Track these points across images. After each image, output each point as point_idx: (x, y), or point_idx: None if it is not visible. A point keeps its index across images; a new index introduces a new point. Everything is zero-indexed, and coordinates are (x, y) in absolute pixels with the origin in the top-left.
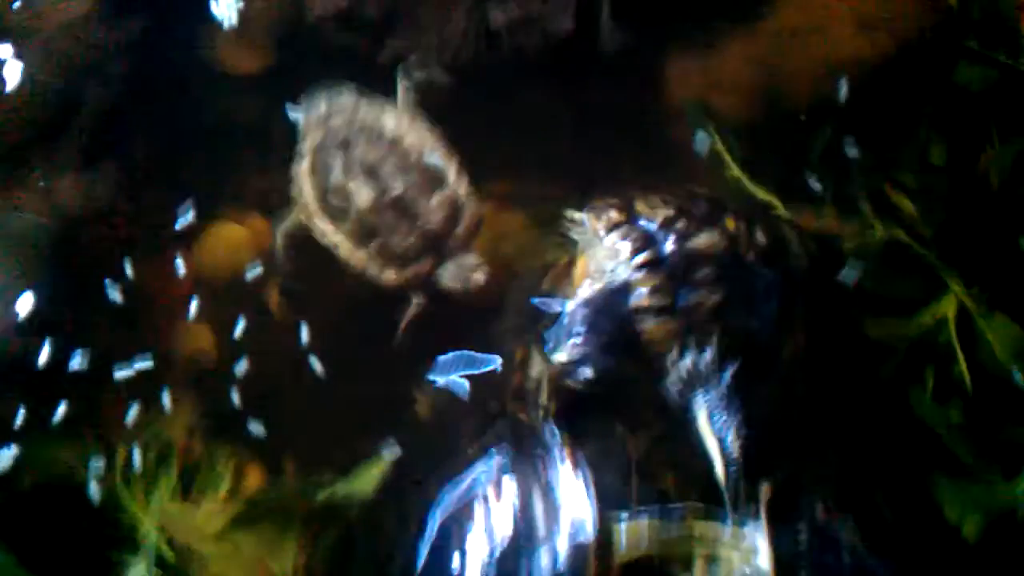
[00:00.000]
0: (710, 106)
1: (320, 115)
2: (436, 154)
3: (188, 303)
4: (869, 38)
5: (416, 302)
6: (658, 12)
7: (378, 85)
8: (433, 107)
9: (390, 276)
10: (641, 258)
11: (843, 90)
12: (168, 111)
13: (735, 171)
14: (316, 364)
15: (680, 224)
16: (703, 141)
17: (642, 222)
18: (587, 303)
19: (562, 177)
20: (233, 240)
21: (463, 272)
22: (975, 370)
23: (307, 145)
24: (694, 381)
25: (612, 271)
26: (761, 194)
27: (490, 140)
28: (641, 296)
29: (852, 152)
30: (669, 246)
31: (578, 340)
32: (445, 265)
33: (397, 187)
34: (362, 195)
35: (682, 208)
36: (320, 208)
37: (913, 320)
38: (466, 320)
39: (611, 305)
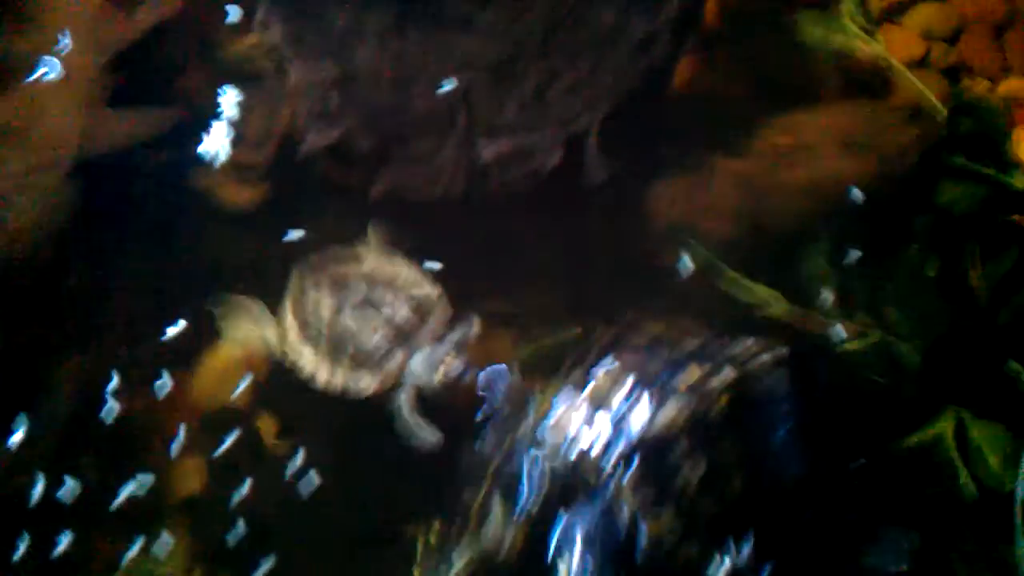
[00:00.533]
0: (698, 229)
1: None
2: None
3: (181, 429)
4: (855, 157)
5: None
6: (645, 140)
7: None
8: (421, 235)
9: (368, 383)
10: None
11: (857, 196)
12: (163, 243)
13: (730, 275)
14: (312, 488)
15: (638, 404)
16: (686, 264)
17: (601, 411)
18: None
19: (552, 301)
20: (228, 364)
21: (434, 362)
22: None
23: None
24: None
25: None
26: (761, 291)
27: (480, 268)
28: (626, 500)
29: (851, 257)
30: (634, 432)
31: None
32: (415, 356)
33: (362, 291)
34: (328, 304)
35: (640, 374)
36: (299, 336)
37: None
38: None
39: (603, 527)
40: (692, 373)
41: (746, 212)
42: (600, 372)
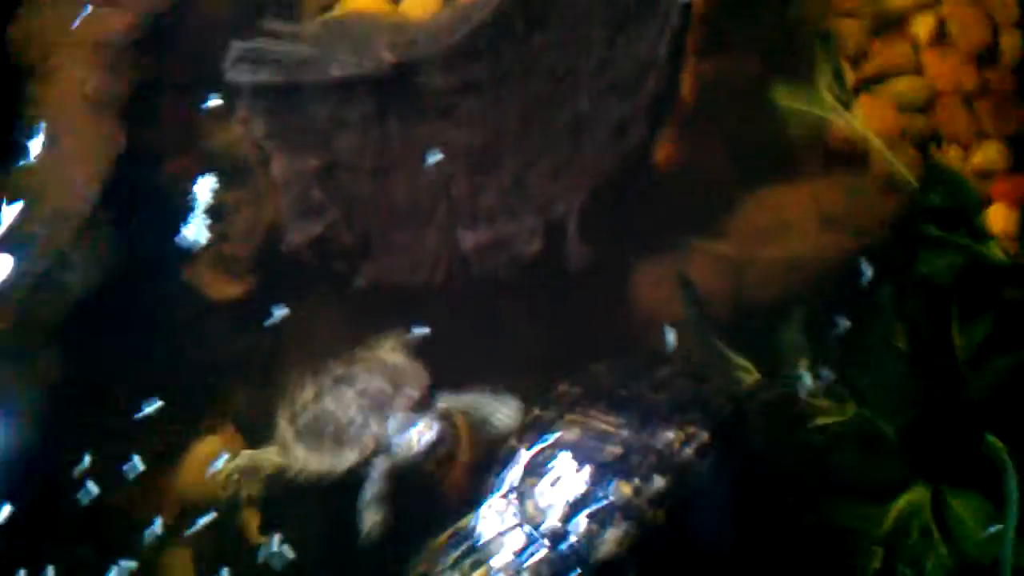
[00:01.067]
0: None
1: None
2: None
3: (165, 518)
4: (833, 233)
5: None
6: (625, 223)
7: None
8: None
9: (349, 458)
10: None
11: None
12: (148, 335)
13: (712, 342)
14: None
15: (577, 532)
16: (671, 336)
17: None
18: None
19: (536, 385)
20: (213, 455)
21: (407, 428)
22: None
23: None
24: None
25: None
26: (738, 363)
27: (462, 352)
28: None
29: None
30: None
31: None
32: (389, 424)
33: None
34: (310, 395)
35: (576, 495)
36: (294, 441)
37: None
38: None
39: None
40: (623, 489)
41: (726, 292)
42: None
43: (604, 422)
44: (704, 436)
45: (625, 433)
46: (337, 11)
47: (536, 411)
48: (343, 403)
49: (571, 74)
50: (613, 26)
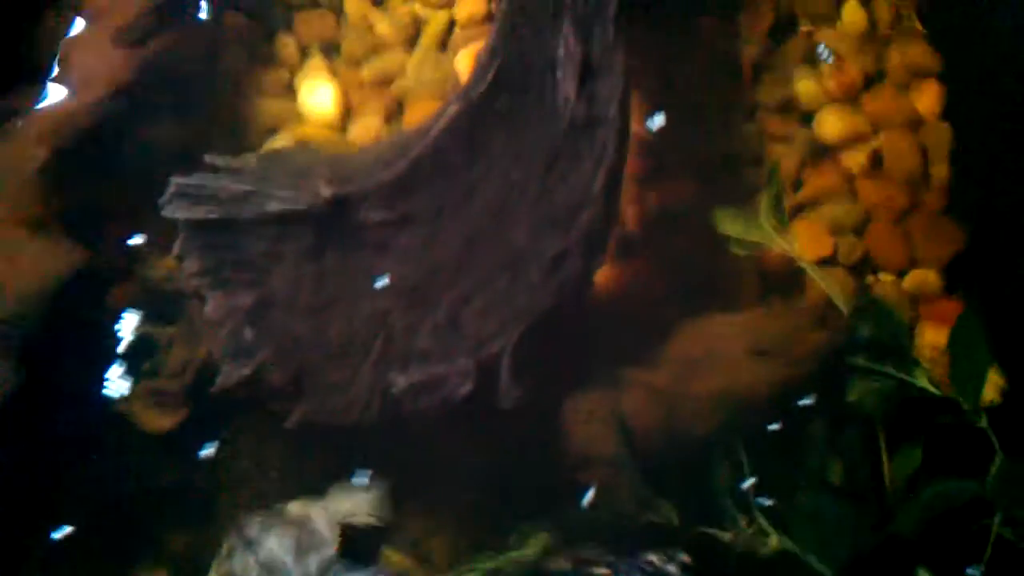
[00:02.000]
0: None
1: None
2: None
3: None
4: (765, 365)
5: None
6: (559, 358)
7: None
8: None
9: None
10: None
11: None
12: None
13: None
14: None
15: None
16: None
17: None
18: None
19: (474, 521)
20: None
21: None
22: None
23: None
24: None
25: None
26: (665, 509)
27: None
28: None
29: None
30: None
31: None
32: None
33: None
34: (226, 545)
35: None
36: None
37: None
38: None
39: None
40: None
41: (658, 425)
42: None
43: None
44: None
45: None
46: (282, 139)
47: None
48: (246, 570)
49: (508, 208)
50: (550, 159)
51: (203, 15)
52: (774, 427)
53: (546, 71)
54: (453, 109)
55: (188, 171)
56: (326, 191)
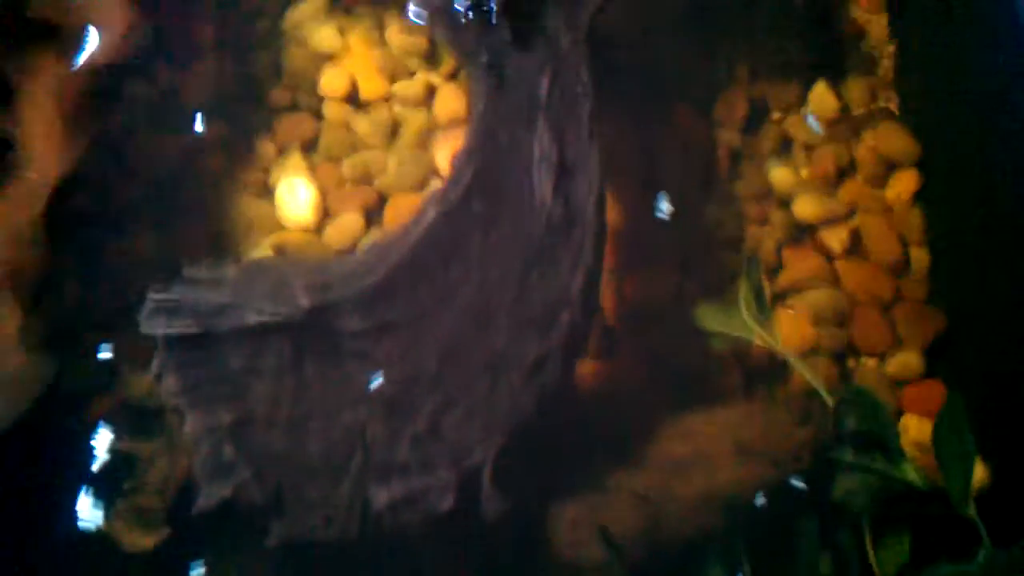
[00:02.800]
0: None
1: None
2: None
3: None
4: (751, 464)
5: None
6: (542, 465)
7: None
8: None
9: None
10: None
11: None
12: None
13: None
14: None
15: None
16: None
17: None
18: None
19: None
20: None
21: None
22: None
23: None
24: None
25: None
26: None
27: None
28: None
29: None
30: None
31: None
32: None
33: None
34: None
35: None
36: None
37: None
38: None
39: None
40: None
41: (644, 530)
42: None
43: None
44: None
45: None
46: (262, 242)
47: None
48: None
49: (487, 311)
50: (528, 261)
51: (199, 127)
52: (762, 525)
53: (523, 173)
54: (431, 214)
55: (168, 277)
56: (304, 301)
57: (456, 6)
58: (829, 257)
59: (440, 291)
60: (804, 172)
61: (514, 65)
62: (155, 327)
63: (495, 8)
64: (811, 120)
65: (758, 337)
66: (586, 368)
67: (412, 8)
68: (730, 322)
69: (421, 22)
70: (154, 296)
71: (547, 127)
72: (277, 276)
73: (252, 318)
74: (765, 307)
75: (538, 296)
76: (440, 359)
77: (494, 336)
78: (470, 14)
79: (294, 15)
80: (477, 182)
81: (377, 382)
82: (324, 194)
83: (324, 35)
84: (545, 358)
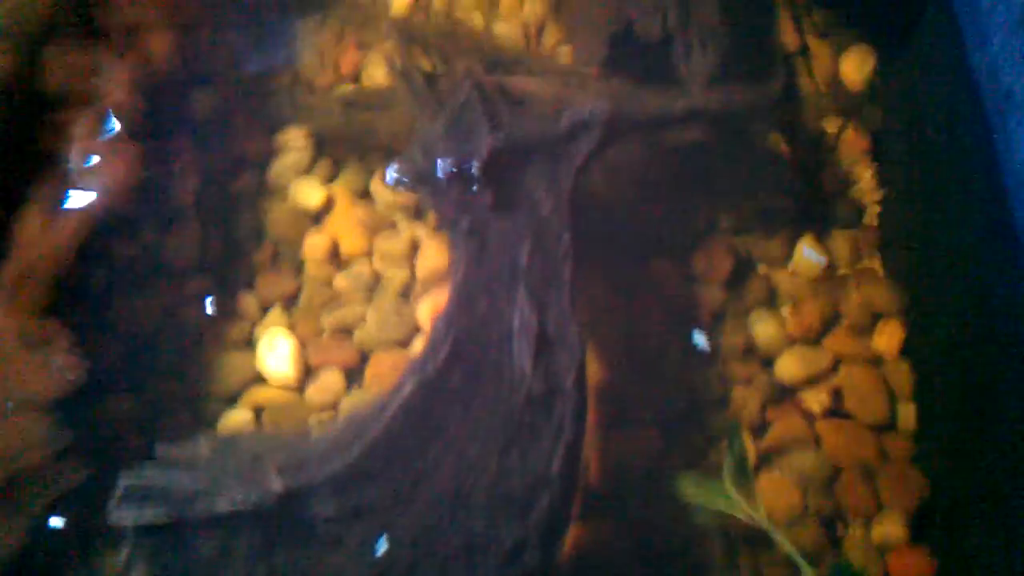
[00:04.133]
0: None
1: None
2: None
3: None
4: None
5: None
6: None
7: None
8: None
9: None
10: None
11: None
12: None
13: None
14: None
15: None
16: None
17: None
18: None
19: None
20: None
21: None
22: None
23: None
24: None
25: None
26: None
27: None
28: None
29: None
30: None
31: None
32: None
33: None
34: None
35: None
36: None
37: None
38: None
39: None
40: None
41: None
42: None
43: None
44: None
45: None
46: (241, 403)
47: None
48: None
49: (464, 491)
50: (507, 437)
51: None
52: None
53: (503, 342)
54: (408, 387)
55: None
56: (277, 485)
57: (438, 171)
58: (812, 418)
59: (416, 471)
60: (789, 326)
61: (495, 230)
62: (125, 517)
63: (476, 173)
64: (808, 252)
65: (742, 512)
66: (572, 531)
67: (391, 174)
68: (712, 496)
69: (401, 188)
70: (125, 483)
71: (527, 295)
72: (251, 453)
73: (223, 505)
74: (748, 477)
75: (517, 475)
76: (414, 543)
77: (471, 518)
78: (451, 179)
79: (278, 167)
80: (456, 353)
81: (383, 549)
82: (305, 350)
83: (308, 189)
84: (524, 544)
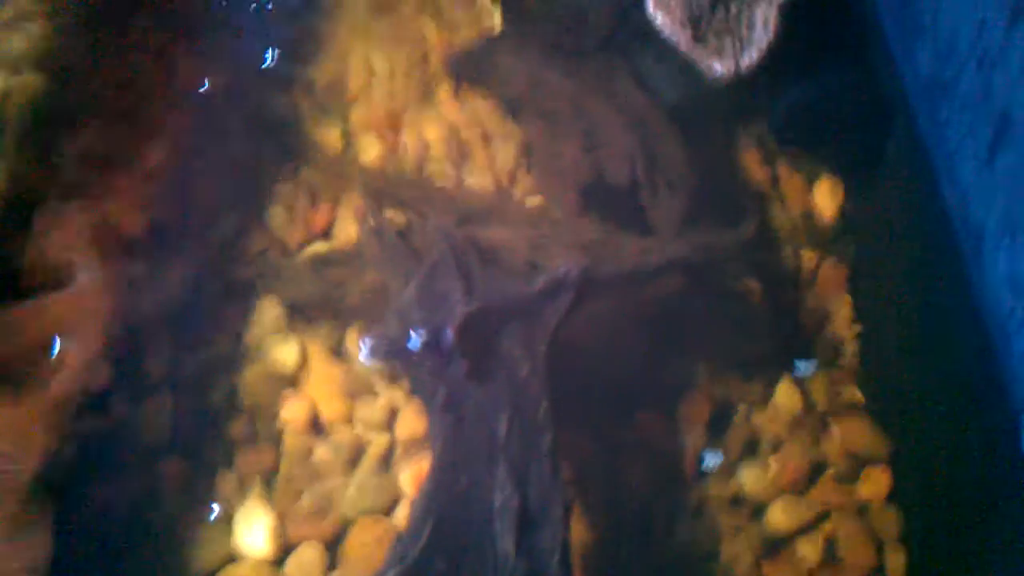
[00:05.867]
0: None
1: None
2: None
3: None
4: None
5: None
6: None
7: None
8: None
9: None
10: None
11: None
12: None
13: None
14: None
15: None
16: None
17: None
18: None
19: None
20: None
21: None
22: None
23: None
24: None
25: None
26: None
27: None
28: None
29: None
30: None
31: None
32: None
33: None
34: None
35: None
36: None
37: None
38: None
39: None
40: None
41: None
42: None
43: None
44: None
45: None
46: None
47: None
48: None
49: None
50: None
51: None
52: None
53: (484, 523)
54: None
55: None
56: None
57: (411, 342)
58: (807, 569)
59: None
60: (773, 471)
61: (472, 401)
62: None
63: (450, 343)
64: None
65: None
66: None
67: (364, 349)
68: None
69: (375, 362)
70: None
71: (507, 472)
72: None
73: None
74: None
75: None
76: None
77: None
78: (426, 351)
79: (254, 330)
80: (436, 538)
81: None
82: (283, 525)
83: (284, 353)
84: None
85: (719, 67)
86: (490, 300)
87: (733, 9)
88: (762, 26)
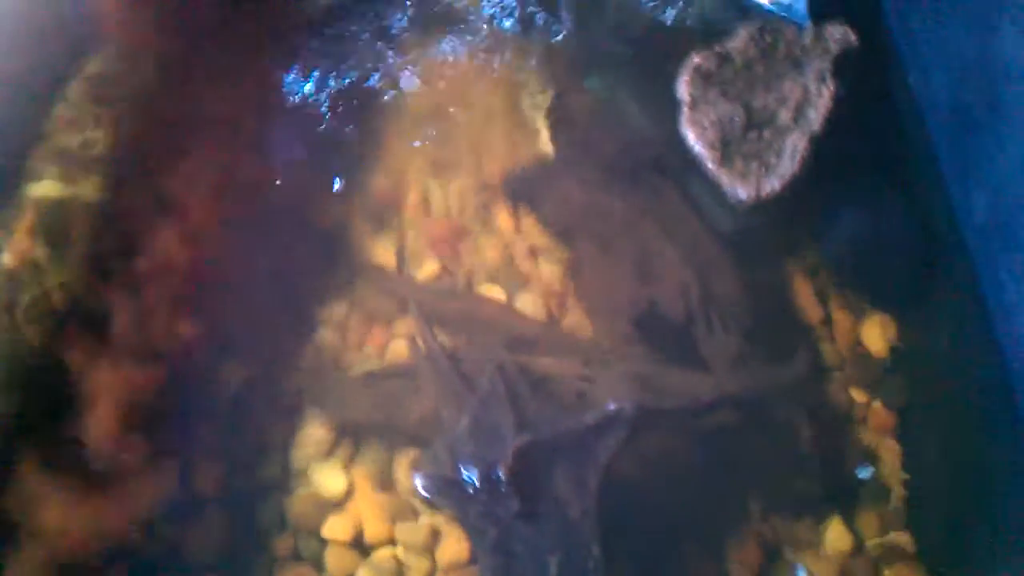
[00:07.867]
0: None
1: None
2: None
3: None
4: None
5: None
6: None
7: None
8: None
9: None
10: None
11: None
12: None
13: None
14: None
15: None
16: None
17: None
18: None
19: None
20: None
21: None
22: None
23: None
24: None
25: None
26: None
27: None
28: None
29: None
30: None
31: None
32: None
33: None
34: None
35: None
36: None
37: None
38: None
39: None
40: None
41: None
42: None
43: None
44: None
45: None
46: None
47: None
48: None
49: None
50: None
51: None
52: None
53: None
54: None
55: None
56: None
57: (462, 476)
58: None
59: None
60: None
61: (522, 540)
62: None
63: (503, 476)
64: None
65: None
66: None
67: (419, 481)
68: None
69: (428, 496)
70: None
71: None
72: None
73: None
74: None
75: None
76: None
77: None
78: (478, 484)
79: (299, 453)
80: None
81: None
82: None
83: (329, 476)
84: None
85: (742, 192)
86: (541, 434)
87: (767, 135)
88: (790, 156)
